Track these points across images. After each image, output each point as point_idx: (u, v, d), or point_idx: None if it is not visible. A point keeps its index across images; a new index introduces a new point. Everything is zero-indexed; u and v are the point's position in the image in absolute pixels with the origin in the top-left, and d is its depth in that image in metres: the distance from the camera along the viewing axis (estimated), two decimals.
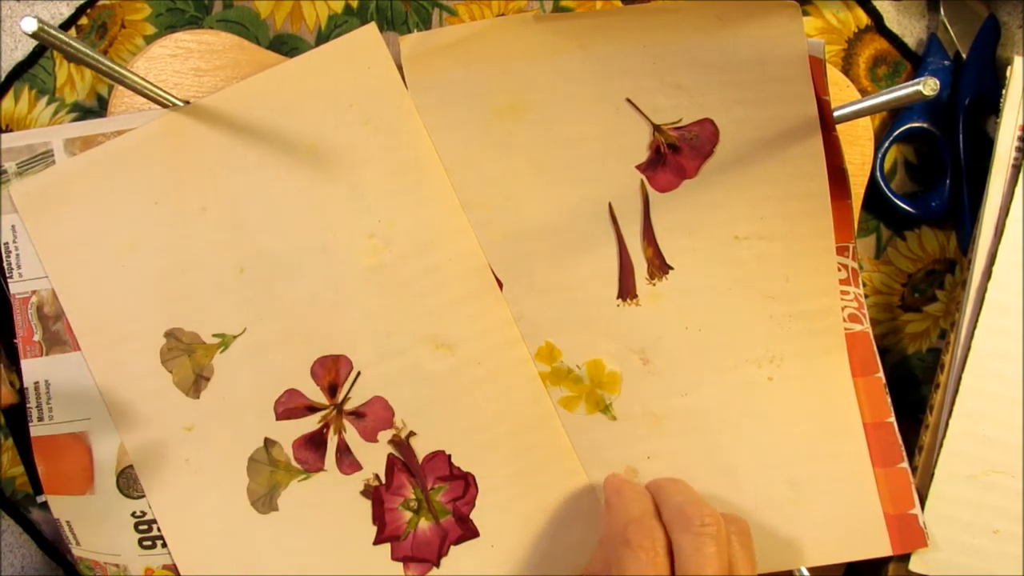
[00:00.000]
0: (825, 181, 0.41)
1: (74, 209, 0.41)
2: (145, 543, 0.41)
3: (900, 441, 0.42)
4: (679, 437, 0.41)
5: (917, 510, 0.41)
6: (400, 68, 0.41)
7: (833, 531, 0.41)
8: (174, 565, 0.41)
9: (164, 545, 0.41)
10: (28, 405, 0.40)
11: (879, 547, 0.41)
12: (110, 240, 0.41)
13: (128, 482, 0.41)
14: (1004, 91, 0.43)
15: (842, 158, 0.41)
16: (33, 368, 0.40)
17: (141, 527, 0.41)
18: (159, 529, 0.41)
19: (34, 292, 0.41)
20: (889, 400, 0.42)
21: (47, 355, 0.41)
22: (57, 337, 0.41)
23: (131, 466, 0.41)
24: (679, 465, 0.41)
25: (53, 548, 0.45)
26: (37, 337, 0.41)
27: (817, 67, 0.40)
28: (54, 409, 0.40)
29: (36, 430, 0.40)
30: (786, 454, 0.41)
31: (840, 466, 0.41)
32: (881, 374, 0.42)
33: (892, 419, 0.42)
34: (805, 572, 0.41)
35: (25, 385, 0.40)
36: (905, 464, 0.42)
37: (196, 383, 0.41)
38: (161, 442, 0.41)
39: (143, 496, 0.41)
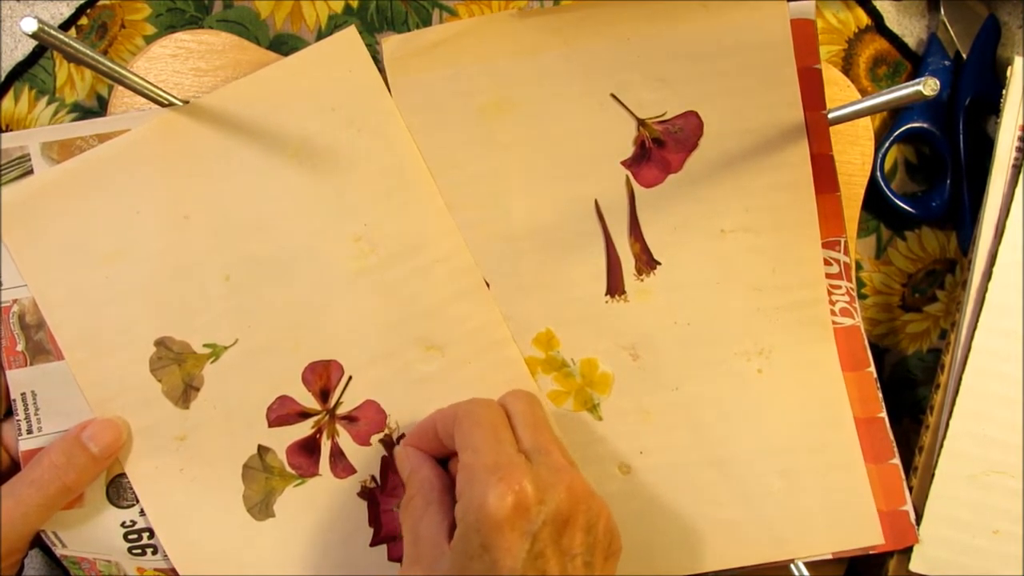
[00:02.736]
0: (808, 169, 0.41)
1: (53, 221, 0.40)
2: (135, 551, 0.41)
3: (891, 437, 0.42)
4: (670, 431, 0.42)
5: (908, 507, 0.41)
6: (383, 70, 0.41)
7: (825, 521, 0.41)
8: (167, 571, 0.41)
9: (155, 553, 0.41)
10: (17, 418, 0.40)
11: (871, 537, 0.41)
12: (92, 251, 0.40)
13: (118, 491, 0.41)
14: (1004, 91, 0.43)
15: (829, 144, 0.41)
16: (19, 379, 0.40)
17: (131, 536, 0.41)
18: (149, 537, 0.41)
19: (15, 301, 0.40)
20: (880, 395, 0.42)
21: (31, 365, 0.40)
22: (40, 346, 0.40)
23: (121, 475, 0.41)
24: (671, 459, 0.41)
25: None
26: (20, 347, 0.40)
27: (807, 29, 0.40)
28: (42, 420, 0.40)
29: (26, 443, 0.40)
30: (777, 445, 0.42)
31: (831, 456, 0.42)
32: (872, 369, 0.42)
33: (883, 414, 0.42)
34: (803, 568, 0.41)
35: (12, 396, 0.40)
36: (897, 460, 0.42)
37: (185, 393, 0.40)
38: (154, 453, 0.40)
39: (133, 505, 0.41)
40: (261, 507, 0.41)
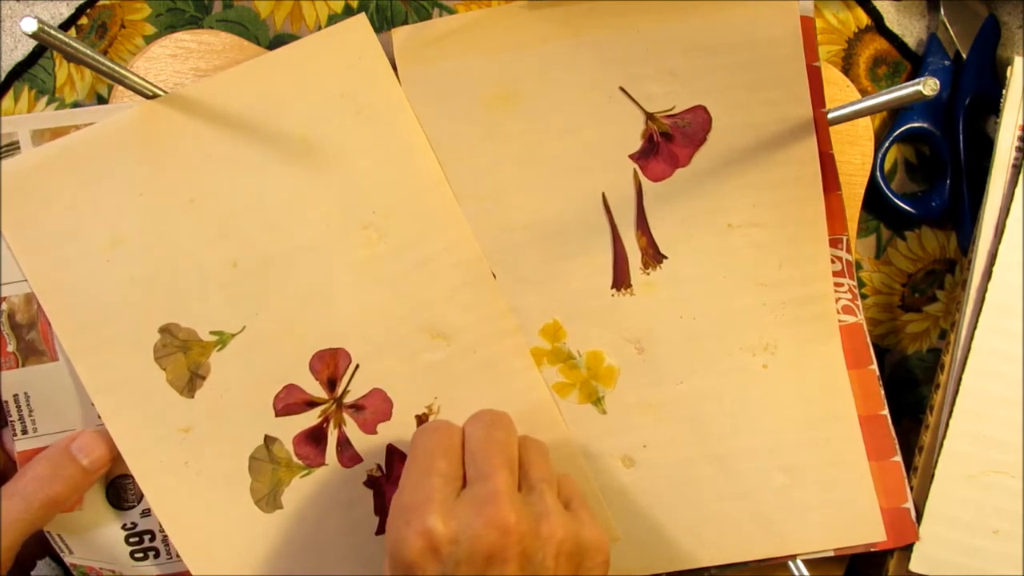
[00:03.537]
0: (816, 165, 0.41)
1: (49, 201, 0.39)
2: (137, 555, 0.41)
3: (893, 434, 0.42)
4: (675, 425, 0.42)
5: (910, 504, 0.41)
6: (393, 61, 0.41)
7: (827, 517, 0.41)
8: (169, 575, 0.41)
9: (156, 557, 0.41)
10: (10, 419, 0.39)
11: (874, 533, 0.41)
12: (92, 235, 0.39)
13: (118, 493, 0.40)
14: (1004, 91, 0.43)
15: (829, 142, 0.41)
16: (11, 380, 0.39)
17: (132, 539, 0.41)
18: (150, 540, 0.41)
19: (3, 299, 0.39)
20: (882, 393, 0.42)
21: (23, 366, 0.39)
22: (32, 347, 0.39)
23: (120, 476, 0.40)
24: (675, 453, 0.41)
25: (52, 551, 0.45)
26: (11, 348, 0.39)
27: (806, 26, 0.40)
28: (37, 421, 0.39)
29: (21, 444, 0.39)
30: (781, 441, 0.42)
31: (834, 452, 0.42)
32: (875, 366, 0.42)
33: (885, 412, 0.42)
34: (802, 567, 0.41)
35: (4, 398, 0.39)
36: (898, 457, 0.42)
37: (191, 382, 0.40)
38: (158, 446, 0.40)
39: (133, 507, 0.41)
40: (269, 499, 0.40)
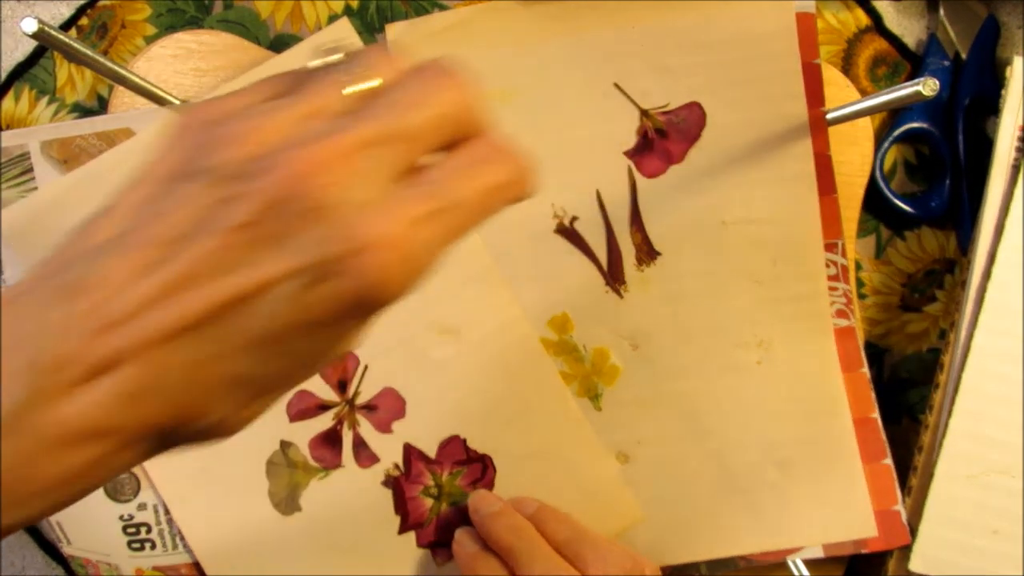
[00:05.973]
0: (811, 162, 0.41)
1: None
2: (134, 545, 0.41)
3: (884, 437, 0.42)
4: (669, 422, 0.42)
5: (900, 507, 0.42)
6: None
7: (820, 512, 0.42)
8: (165, 568, 0.41)
9: (152, 548, 0.41)
10: None
11: (865, 528, 0.41)
12: None
13: (115, 486, 0.41)
14: (1004, 91, 0.43)
15: (827, 144, 0.41)
16: None
17: (129, 530, 0.41)
18: (147, 532, 0.41)
19: None
20: (873, 396, 0.42)
21: None
22: None
23: None
24: (669, 449, 0.42)
25: (52, 548, 0.45)
26: None
27: (807, 23, 0.40)
28: None
29: None
30: (774, 436, 0.42)
31: (827, 447, 0.42)
32: (866, 369, 0.42)
33: (876, 415, 0.42)
34: (802, 567, 0.41)
35: None
36: (889, 460, 0.42)
37: None
38: (175, 455, 0.40)
39: (130, 500, 0.41)
40: (287, 502, 0.41)
